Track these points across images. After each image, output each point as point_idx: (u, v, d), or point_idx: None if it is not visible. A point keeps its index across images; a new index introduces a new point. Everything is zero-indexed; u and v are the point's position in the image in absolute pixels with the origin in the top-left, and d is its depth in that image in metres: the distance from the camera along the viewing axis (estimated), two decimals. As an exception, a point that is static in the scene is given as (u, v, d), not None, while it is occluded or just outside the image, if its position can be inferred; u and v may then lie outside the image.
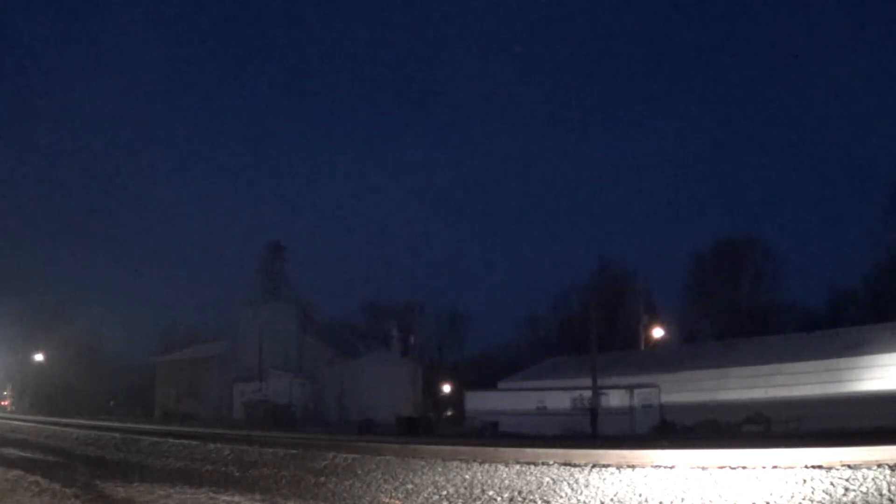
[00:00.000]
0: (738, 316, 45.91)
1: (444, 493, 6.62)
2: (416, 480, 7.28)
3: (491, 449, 8.33)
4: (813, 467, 5.80)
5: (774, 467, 5.97)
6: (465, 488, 6.72)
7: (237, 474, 9.09)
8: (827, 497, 5.07)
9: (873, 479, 5.25)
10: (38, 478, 9.01)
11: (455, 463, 7.94)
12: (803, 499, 5.09)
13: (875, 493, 5.00)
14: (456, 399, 44.26)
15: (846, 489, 5.15)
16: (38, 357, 58.02)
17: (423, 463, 8.18)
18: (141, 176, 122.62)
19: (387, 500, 6.61)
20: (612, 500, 5.74)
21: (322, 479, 7.94)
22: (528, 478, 6.81)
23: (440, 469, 7.72)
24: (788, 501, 5.09)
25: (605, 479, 6.36)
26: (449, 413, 44.69)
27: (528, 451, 7.92)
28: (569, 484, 6.37)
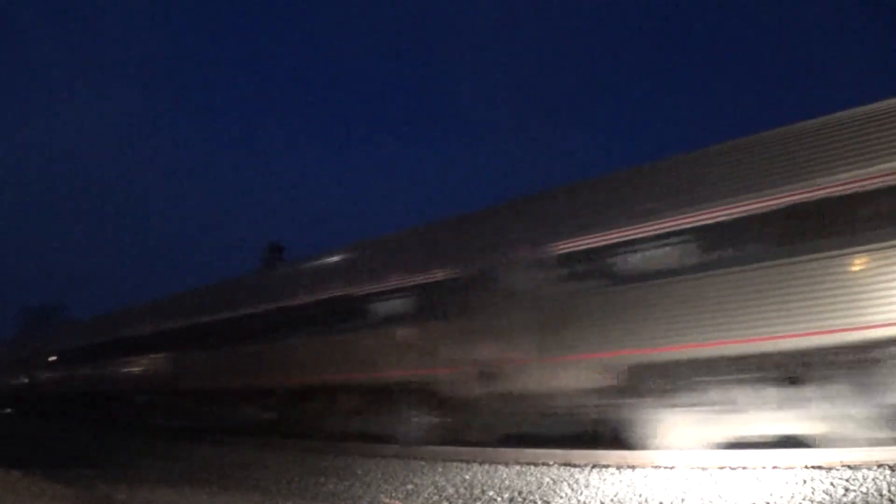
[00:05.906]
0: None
1: (445, 493, 6.62)
2: (417, 481, 7.29)
3: (491, 449, 8.33)
4: (813, 468, 5.83)
5: (774, 468, 5.99)
6: (466, 489, 6.72)
7: (237, 474, 9.08)
8: (827, 497, 5.07)
9: (873, 480, 5.26)
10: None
11: (455, 463, 7.96)
12: (803, 499, 5.09)
13: (875, 494, 5.01)
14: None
15: (846, 489, 5.16)
16: None
17: (423, 463, 8.19)
18: (139, 176, 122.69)
19: (387, 501, 6.60)
20: (612, 500, 5.74)
21: (322, 479, 7.94)
22: (528, 478, 6.83)
23: (440, 469, 7.74)
24: (788, 502, 5.09)
25: (605, 480, 6.38)
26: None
27: (528, 451, 7.93)
28: (569, 484, 6.38)
